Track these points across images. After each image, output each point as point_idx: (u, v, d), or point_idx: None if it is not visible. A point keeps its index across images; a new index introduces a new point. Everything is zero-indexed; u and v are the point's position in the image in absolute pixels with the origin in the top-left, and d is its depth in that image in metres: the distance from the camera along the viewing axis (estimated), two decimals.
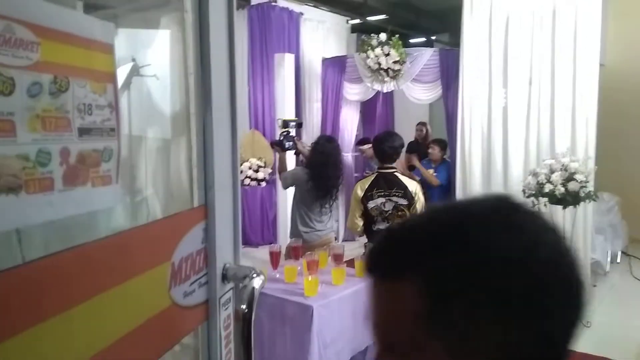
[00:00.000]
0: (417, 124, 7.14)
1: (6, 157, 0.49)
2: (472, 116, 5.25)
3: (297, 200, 3.89)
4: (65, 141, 0.56)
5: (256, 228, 6.69)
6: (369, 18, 9.24)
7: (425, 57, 5.80)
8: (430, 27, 10.52)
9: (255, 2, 7.29)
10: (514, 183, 4.86)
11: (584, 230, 4.66)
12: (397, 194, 3.40)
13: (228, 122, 0.94)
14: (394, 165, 3.48)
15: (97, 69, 0.62)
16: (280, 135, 4.27)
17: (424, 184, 5.75)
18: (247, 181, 6.55)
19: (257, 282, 0.87)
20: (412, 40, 11.71)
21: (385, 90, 6.20)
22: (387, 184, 3.43)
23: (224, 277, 0.93)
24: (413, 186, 3.42)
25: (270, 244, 3.70)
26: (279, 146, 4.20)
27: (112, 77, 0.64)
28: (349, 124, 6.95)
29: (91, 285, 0.62)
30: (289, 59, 5.97)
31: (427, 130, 7.02)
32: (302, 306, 2.74)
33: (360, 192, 3.48)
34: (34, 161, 0.52)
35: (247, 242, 6.60)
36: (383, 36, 5.82)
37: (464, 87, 5.28)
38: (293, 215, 3.92)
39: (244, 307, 0.83)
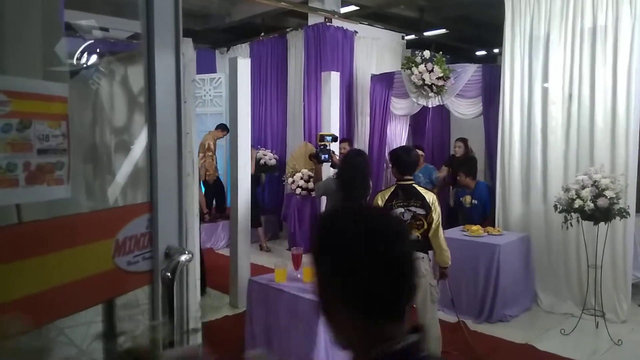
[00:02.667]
0: (456, 140, 6.64)
1: None
2: (512, 131, 5.30)
3: (328, 209, 4.21)
4: (28, 157, 0.95)
5: (306, 233, 7.06)
6: (426, 33, 9.38)
7: (469, 73, 5.93)
8: (492, 39, 10.44)
9: (311, 22, 7.75)
10: (553, 199, 4.85)
11: (624, 247, 4.55)
12: (415, 204, 3.61)
13: (174, 142, 1.30)
14: (410, 177, 3.70)
15: (54, 112, 1.00)
16: (317, 148, 4.63)
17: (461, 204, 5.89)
18: (299, 190, 6.93)
19: (183, 257, 1.22)
20: (477, 53, 11.68)
21: (430, 105, 6.37)
22: (405, 195, 3.64)
23: (167, 255, 1.28)
24: (430, 197, 3.62)
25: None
26: (315, 158, 4.57)
27: (66, 117, 1.02)
28: (397, 137, 7.17)
29: (53, 244, 1.00)
30: (334, 76, 6.33)
31: (466, 147, 6.53)
32: (314, 303, 3.04)
33: (380, 203, 3.68)
34: (4, 169, 0.90)
35: (296, 246, 6.99)
36: (427, 53, 6.02)
37: (504, 103, 5.35)
38: None
39: (168, 274, 1.18)
